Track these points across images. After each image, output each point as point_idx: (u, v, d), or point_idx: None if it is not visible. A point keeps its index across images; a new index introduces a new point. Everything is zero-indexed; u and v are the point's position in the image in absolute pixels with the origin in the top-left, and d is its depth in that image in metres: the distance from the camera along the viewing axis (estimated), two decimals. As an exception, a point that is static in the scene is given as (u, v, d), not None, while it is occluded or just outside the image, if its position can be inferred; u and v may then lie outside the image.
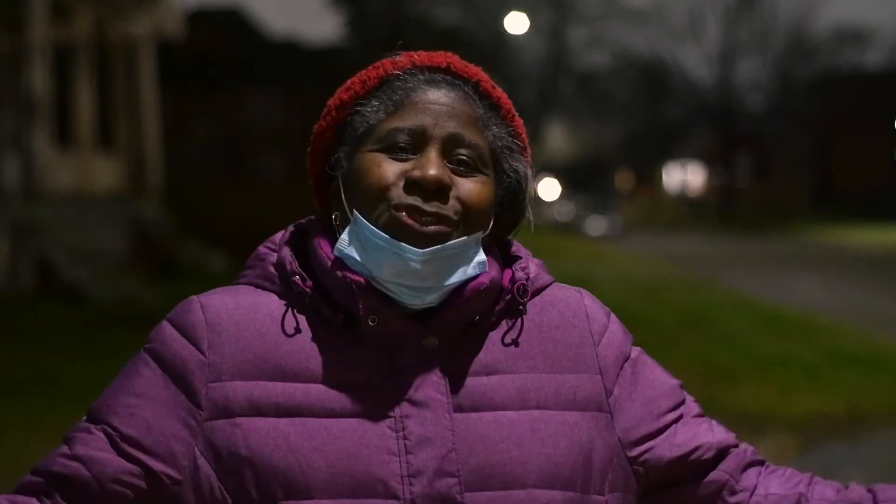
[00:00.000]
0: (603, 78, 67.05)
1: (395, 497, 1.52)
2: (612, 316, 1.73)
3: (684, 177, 77.34)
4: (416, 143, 1.59)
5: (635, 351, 1.72)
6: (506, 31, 42.91)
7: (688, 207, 68.79)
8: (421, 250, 1.54)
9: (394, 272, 1.55)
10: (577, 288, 1.74)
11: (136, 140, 22.86)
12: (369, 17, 42.93)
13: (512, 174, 1.65)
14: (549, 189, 65.17)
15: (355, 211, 1.58)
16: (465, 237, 1.57)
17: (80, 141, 20.86)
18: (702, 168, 72.55)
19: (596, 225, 50.01)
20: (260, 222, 20.29)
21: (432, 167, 1.56)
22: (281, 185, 27.61)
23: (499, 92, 1.65)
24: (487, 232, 1.61)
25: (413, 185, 1.56)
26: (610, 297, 18.23)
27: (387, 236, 1.54)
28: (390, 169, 1.57)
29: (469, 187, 1.58)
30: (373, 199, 1.57)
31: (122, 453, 1.56)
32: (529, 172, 1.67)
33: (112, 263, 18.55)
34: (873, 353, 13.17)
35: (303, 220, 1.70)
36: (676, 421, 1.69)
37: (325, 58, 37.69)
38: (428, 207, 1.55)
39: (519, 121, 1.67)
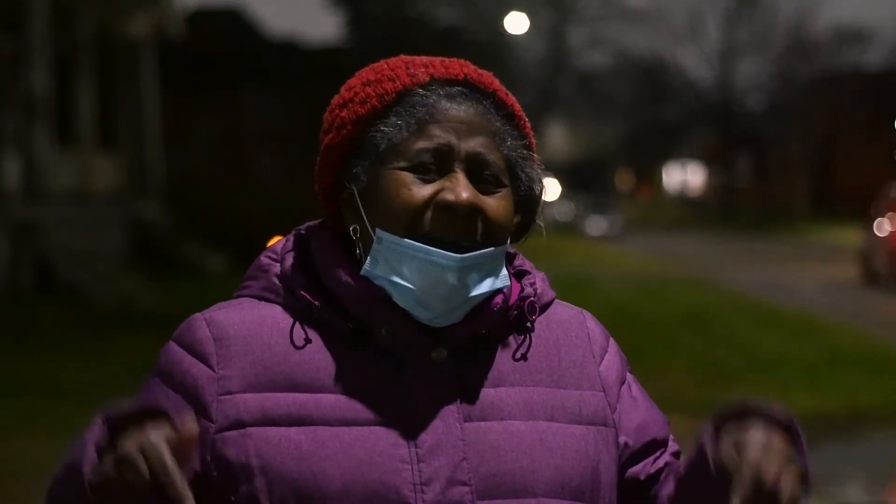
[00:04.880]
0: (603, 78, 67.06)
1: None
2: (611, 340, 1.74)
3: (684, 177, 77.33)
4: (442, 162, 1.58)
5: (630, 377, 1.74)
6: (506, 31, 42.93)
7: (688, 207, 68.76)
8: (459, 255, 1.54)
9: (428, 283, 1.54)
10: (579, 309, 1.75)
11: (137, 140, 22.88)
12: (369, 17, 42.94)
13: (526, 182, 1.65)
14: (549, 189, 65.06)
15: (379, 230, 1.57)
16: (494, 247, 1.58)
17: (81, 141, 20.87)
18: (702, 168, 72.55)
19: (596, 225, 49.99)
20: (260, 222, 20.34)
21: (463, 190, 1.56)
22: (281, 186, 27.64)
23: (512, 99, 1.65)
24: (508, 242, 1.62)
25: (444, 209, 1.55)
26: (610, 297, 18.32)
27: (422, 245, 1.54)
28: (419, 193, 1.56)
29: (494, 206, 1.58)
30: (402, 225, 1.56)
31: None
32: (542, 177, 1.67)
33: (112, 264, 18.55)
34: (873, 353, 13.17)
35: (301, 227, 1.69)
36: (662, 451, 1.72)
37: (325, 58, 37.68)
38: (457, 239, 1.55)
39: (529, 125, 1.67)
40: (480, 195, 1.58)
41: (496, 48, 52.20)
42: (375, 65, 1.66)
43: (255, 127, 38.01)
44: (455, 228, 1.55)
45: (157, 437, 1.39)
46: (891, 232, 21.43)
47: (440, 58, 1.65)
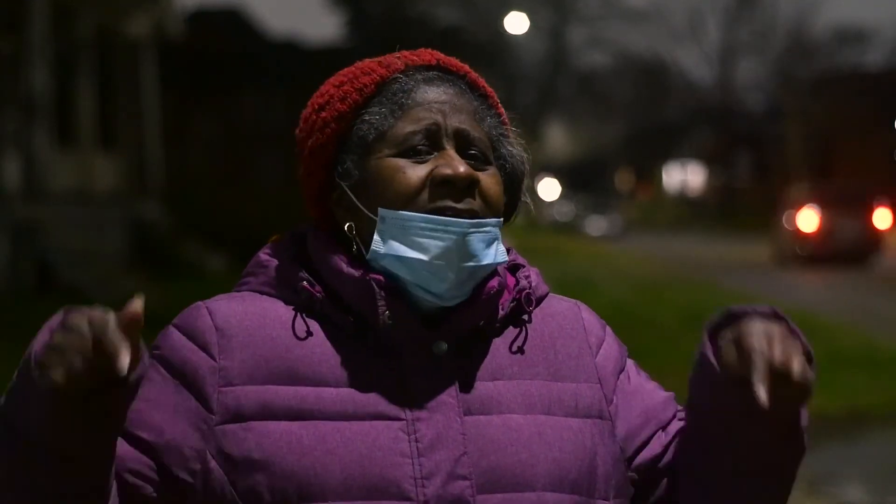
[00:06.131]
0: (603, 78, 67.06)
1: (409, 499, 1.53)
2: (608, 329, 1.75)
3: (684, 177, 77.31)
4: (431, 143, 1.60)
5: (630, 363, 1.75)
6: (506, 31, 42.92)
7: (688, 207, 68.74)
8: (468, 220, 1.57)
9: (439, 250, 1.55)
10: (574, 301, 1.77)
11: (137, 140, 22.88)
12: (369, 17, 42.93)
13: (509, 159, 1.67)
14: (549, 189, 65.14)
15: (381, 209, 1.58)
16: (495, 219, 1.61)
17: (81, 141, 20.87)
18: (702, 168, 72.53)
19: (596, 225, 50.04)
20: (260, 222, 20.32)
21: (460, 164, 1.58)
22: (281, 185, 27.61)
23: (482, 81, 1.69)
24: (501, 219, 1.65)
25: (442, 184, 1.58)
26: (610, 297, 18.32)
27: (431, 215, 1.56)
28: (414, 174, 1.58)
29: (488, 182, 1.61)
30: (402, 205, 1.58)
31: (137, 448, 1.55)
32: (525, 155, 1.70)
33: (112, 264, 18.55)
34: (873, 353, 13.17)
35: (297, 228, 1.70)
36: (666, 427, 1.72)
37: (325, 58, 37.68)
38: (461, 206, 1.58)
39: (501, 106, 1.70)
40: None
41: (496, 48, 52.19)
42: (344, 70, 1.68)
43: (256, 127, 37.95)
44: (455, 200, 1.58)
45: (104, 311, 1.39)
46: (796, 225, 27.30)
47: (408, 50, 1.68)
